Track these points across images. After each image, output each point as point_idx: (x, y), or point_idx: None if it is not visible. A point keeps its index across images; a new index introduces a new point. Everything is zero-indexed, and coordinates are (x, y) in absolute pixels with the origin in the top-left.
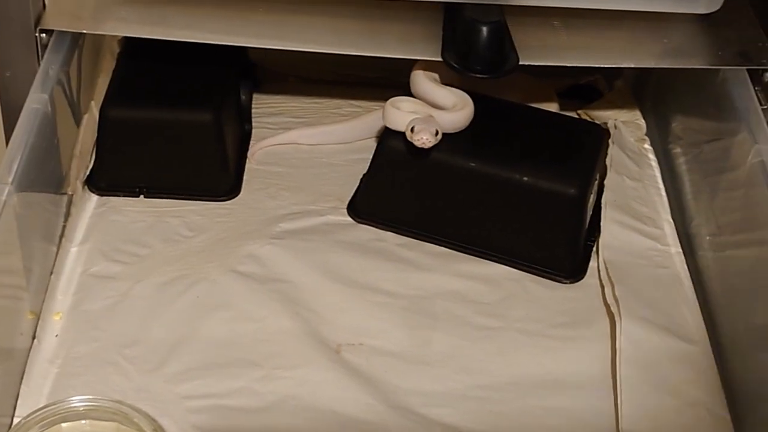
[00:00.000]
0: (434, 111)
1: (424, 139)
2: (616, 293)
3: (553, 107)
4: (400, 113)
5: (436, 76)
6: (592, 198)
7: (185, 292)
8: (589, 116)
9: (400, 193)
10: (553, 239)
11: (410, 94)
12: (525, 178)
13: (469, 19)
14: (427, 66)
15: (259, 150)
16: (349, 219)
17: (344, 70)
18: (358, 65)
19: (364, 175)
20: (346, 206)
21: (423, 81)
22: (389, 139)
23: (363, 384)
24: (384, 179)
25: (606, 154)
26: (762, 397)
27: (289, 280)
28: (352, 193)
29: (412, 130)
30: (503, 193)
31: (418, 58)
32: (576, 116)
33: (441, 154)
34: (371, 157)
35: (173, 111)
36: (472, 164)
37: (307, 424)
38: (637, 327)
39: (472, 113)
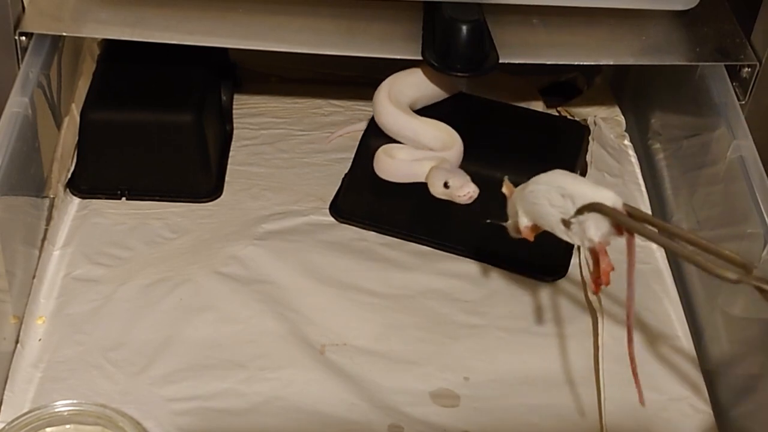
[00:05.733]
0: (430, 153)
1: (471, 191)
2: None
3: (538, 106)
4: (395, 163)
5: (406, 101)
6: None
7: (169, 294)
8: (569, 113)
9: (381, 193)
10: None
11: None
12: (505, 177)
13: (449, 18)
14: (392, 89)
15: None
16: (332, 219)
17: (324, 69)
18: (338, 64)
19: (345, 175)
20: (328, 206)
21: (398, 116)
22: (370, 138)
23: (347, 384)
24: (365, 179)
25: (586, 151)
26: (743, 390)
27: (272, 281)
28: (333, 193)
29: (446, 185)
30: (485, 191)
31: (398, 57)
32: (556, 113)
33: None
34: (352, 156)
35: (154, 113)
36: None
37: (293, 425)
38: (619, 323)
39: (462, 148)
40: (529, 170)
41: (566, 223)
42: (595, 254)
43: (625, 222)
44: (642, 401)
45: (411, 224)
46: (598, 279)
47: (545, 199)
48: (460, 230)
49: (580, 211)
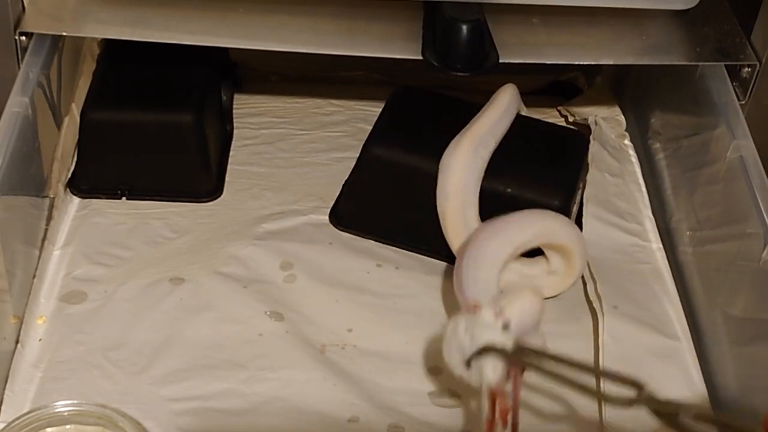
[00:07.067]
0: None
1: None
2: (599, 290)
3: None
4: None
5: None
6: (575, 208)
7: (169, 294)
8: (570, 113)
9: (383, 203)
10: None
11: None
12: (509, 190)
13: (449, 17)
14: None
15: None
16: None
17: (326, 68)
18: (339, 63)
19: (346, 181)
20: (328, 206)
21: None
22: (372, 146)
23: (348, 384)
24: (367, 188)
25: (588, 166)
26: (743, 390)
27: (272, 281)
28: (334, 192)
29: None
30: (487, 204)
31: (398, 56)
32: (557, 112)
33: (425, 163)
34: (354, 157)
35: (154, 112)
36: None
37: (293, 425)
38: (620, 323)
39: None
40: (532, 184)
41: (467, 364)
42: (493, 396)
43: (516, 359)
44: None
45: (412, 236)
46: (493, 422)
47: (455, 338)
48: None
49: (478, 353)
